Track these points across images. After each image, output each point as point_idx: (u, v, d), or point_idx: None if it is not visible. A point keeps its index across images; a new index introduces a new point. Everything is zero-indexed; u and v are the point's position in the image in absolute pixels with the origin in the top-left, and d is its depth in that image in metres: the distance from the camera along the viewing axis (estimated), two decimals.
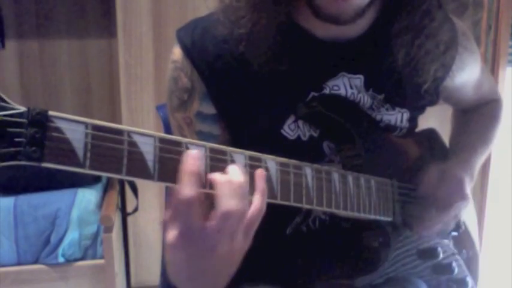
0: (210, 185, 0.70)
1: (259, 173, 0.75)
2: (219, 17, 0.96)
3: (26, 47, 2.71)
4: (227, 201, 0.67)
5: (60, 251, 2.25)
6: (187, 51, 0.96)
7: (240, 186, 0.69)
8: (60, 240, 2.26)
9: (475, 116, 1.26)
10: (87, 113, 2.78)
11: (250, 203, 0.72)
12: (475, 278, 1.21)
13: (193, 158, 0.67)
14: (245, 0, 0.92)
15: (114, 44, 2.64)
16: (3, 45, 2.66)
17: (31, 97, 2.73)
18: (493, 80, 1.33)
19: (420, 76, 0.99)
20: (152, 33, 2.45)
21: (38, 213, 2.24)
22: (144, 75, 2.48)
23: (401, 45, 0.96)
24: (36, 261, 2.26)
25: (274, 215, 0.92)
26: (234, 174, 0.71)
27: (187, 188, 0.65)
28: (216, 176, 0.70)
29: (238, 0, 0.93)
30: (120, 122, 2.43)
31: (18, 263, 2.25)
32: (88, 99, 2.82)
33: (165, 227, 0.69)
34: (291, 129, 0.99)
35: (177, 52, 0.98)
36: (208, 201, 0.70)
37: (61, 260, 2.25)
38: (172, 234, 0.68)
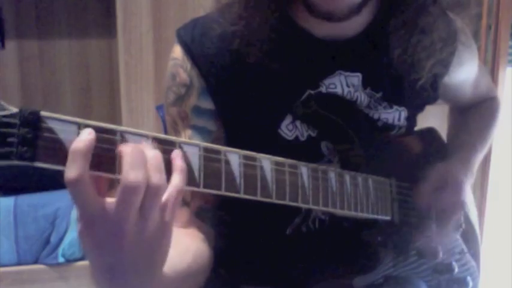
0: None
1: (176, 152, 0.68)
2: (216, 16, 0.96)
3: (26, 47, 2.72)
4: (130, 173, 0.59)
5: (60, 251, 2.26)
6: (187, 48, 0.96)
7: (142, 155, 0.61)
8: (60, 240, 2.26)
9: (473, 114, 1.26)
10: (86, 113, 2.78)
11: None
12: (477, 274, 1.21)
13: (81, 135, 0.59)
14: (244, 6, 0.93)
15: (114, 44, 2.64)
16: (3, 45, 2.66)
17: (31, 97, 2.74)
18: (490, 78, 1.33)
19: (417, 72, 0.99)
20: (152, 33, 2.45)
21: (38, 213, 2.25)
22: (144, 75, 2.48)
23: (397, 42, 0.96)
24: (36, 261, 2.27)
25: (274, 215, 0.92)
26: (139, 145, 0.63)
27: (70, 168, 0.58)
28: (123, 147, 0.62)
29: (239, 7, 0.93)
30: (119, 122, 2.43)
31: (18, 263, 2.26)
32: (88, 99, 2.82)
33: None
34: (289, 129, 0.99)
35: (177, 50, 0.98)
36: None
37: (61, 260, 2.26)
38: (78, 224, 0.62)
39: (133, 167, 0.60)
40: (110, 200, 0.60)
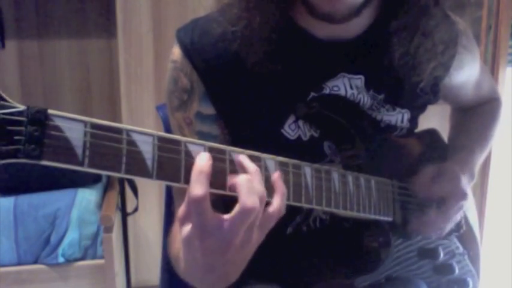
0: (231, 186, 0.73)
1: (277, 175, 0.78)
2: (216, 17, 0.96)
3: (26, 47, 2.71)
4: (248, 199, 0.69)
5: (60, 251, 2.25)
6: (186, 51, 0.96)
7: (259, 184, 0.73)
8: (60, 240, 2.26)
9: (474, 116, 1.26)
10: (87, 113, 2.76)
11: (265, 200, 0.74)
12: (476, 278, 1.21)
13: (202, 158, 0.69)
14: (244, 7, 0.93)
15: (114, 44, 2.64)
16: (3, 45, 2.66)
17: (31, 97, 2.74)
18: (492, 79, 1.33)
19: (418, 75, 0.99)
20: (152, 33, 2.45)
21: (38, 213, 2.24)
22: (144, 75, 2.48)
23: (398, 44, 0.96)
24: (36, 261, 2.26)
25: None
26: (254, 173, 0.74)
27: (196, 187, 0.67)
28: (238, 177, 0.72)
29: (239, 7, 0.93)
30: (120, 122, 2.41)
31: (18, 263, 2.25)
32: (88, 99, 2.82)
33: (179, 223, 0.72)
34: (292, 129, 0.99)
35: (176, 52, 0.98)
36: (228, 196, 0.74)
37: (61, 260, 2.25)
38: (187, 228, 0.71)
39: (251, 194, 0.70)
40: (225, 217, 0.70)
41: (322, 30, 0.95)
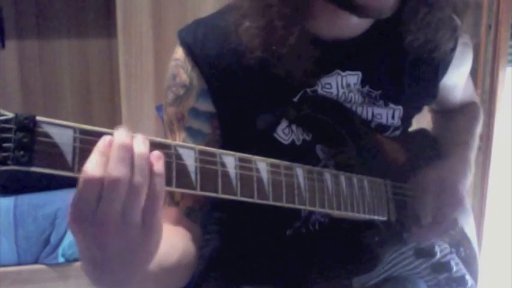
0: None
1: (155, 155, 0.64)
2: (219, 17, 0.97)
3: (26, 47, 2.72)
4: (115, 167, 0.60)
5: (60, 251, 2.26)
6: (188, 48, 0.97)
7: (127, 150, 0.61)
8: (60, 240, 2.26)
9: (460, 115, 1.27)
10: (86, 113, 2.78)
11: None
12: (474, 277, 1.21)
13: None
14: (253, 7, 0.92)
15: (114, 44, 2.64)
16: (3, 45, 2.67)
17: (31, 97, 2.74)
18: (472, 83, 1.34)
19: (433, 49, 1.00)
20: (152, 33, 2.45)
21: (38, 213, 2.25)
22: (144, 75, 2.48)
23: (411, 23, 0.97)
24: (36, 261, 2.27)
25: (274, 217, 0.93)
26: (122, 137, 0.62)
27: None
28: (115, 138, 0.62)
29: (250, 7, 0.93)
30: (119, 122, 2.43)
31: (18, 263, 2.26)
32: (88, 99, 2.82)
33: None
34: (285, 133, 0.99)
35: (179, 51, 0.99)
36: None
37: (61, 260, 2.26)
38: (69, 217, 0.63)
39: (121, 162, 0.60)
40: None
41: (330, 32, 0.97)
